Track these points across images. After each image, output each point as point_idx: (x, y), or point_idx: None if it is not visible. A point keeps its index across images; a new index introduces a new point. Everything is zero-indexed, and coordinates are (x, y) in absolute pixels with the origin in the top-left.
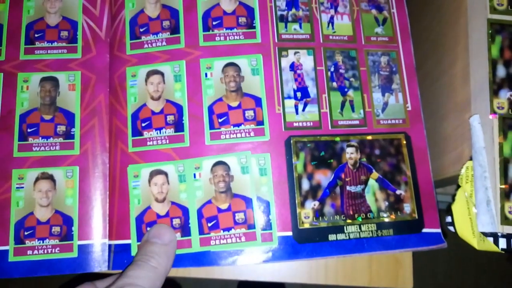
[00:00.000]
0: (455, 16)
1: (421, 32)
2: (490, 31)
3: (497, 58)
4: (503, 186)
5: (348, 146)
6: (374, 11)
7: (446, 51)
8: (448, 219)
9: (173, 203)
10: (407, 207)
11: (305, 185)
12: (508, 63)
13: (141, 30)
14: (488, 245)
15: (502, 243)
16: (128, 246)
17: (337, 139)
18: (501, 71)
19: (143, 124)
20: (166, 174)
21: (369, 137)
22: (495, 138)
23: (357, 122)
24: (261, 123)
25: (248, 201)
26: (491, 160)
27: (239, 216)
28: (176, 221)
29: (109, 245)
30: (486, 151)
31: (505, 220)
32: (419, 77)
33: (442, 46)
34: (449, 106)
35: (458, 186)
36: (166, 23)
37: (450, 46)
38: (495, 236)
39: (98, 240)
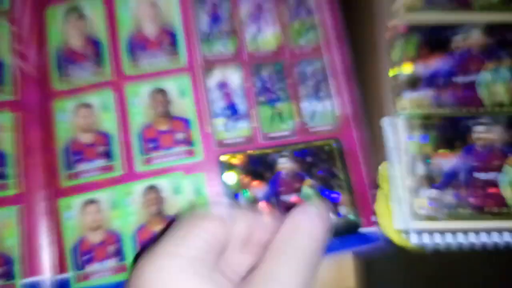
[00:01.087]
0: (367, 19)
1: (355, 37)
2: (391, 34)
3: (399, 61)
4: (411, 184)
5: (281, 157)
6: (300, 20)
7: (369, 55)
8: (374, 218)
9: (107, 231)
10: (343, 210)
11: (242, 201)
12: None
13: (66, 63)
14: (406, 241)
15: (414, 238)
16: (68, 280)
17: (269, 151)
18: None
19: (75, 158)
20: (98, 202)
21: (300, 146)
22: (401, 138)
23: (287, 133)
24: (192, 143)
25: None
26: (401, 159)
27: None
28: (111, 248)
29: (54, 280)
30: (396, 151)
31: (415, 216)
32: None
33: (366, 49)
34: (376, 109)
35: (378, 186)
36: (90, 54)
37: (369, 49)
38: (408, 232)
39: (43, 276)
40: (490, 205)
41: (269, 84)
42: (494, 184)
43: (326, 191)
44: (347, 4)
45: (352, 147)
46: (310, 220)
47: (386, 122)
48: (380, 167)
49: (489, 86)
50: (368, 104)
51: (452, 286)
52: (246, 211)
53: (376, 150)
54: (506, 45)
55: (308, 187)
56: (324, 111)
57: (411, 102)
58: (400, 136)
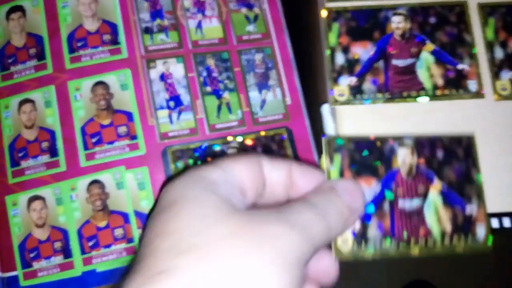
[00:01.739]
0: (311, 5)
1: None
2: (327, 19)
3: (334, 46)
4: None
5: (229, 148)
6: (244, 10)
7: (311, 39)
8: None
9: (53, 227)
10: None
11: None
12: (345, 49)
13: (9, 61)
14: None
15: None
16: (16, 277)
17: (217, 144)
18: (339, 58)
19: (20, 154)
20: (43, 199)
21: (250, 137)
22: (339, 127)
23: (235, 123)
24: (134, 137)
25: (125, 216)
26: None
27: (118, 232)
28: (57, 245)
29: (1, 278)
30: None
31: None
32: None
33: (308, 34)
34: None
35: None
36: (32, 51)
37: (311, 34)
38: None
39: None
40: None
41: (215, 73)
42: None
43: None
44: None
45: (303, 135)
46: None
47: (325, 109)
48: (322, 156)
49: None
50: (315, 90)
51: None
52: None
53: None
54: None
55: None
56: (273, 100)
57: (349, 87)
58: (338, 124)
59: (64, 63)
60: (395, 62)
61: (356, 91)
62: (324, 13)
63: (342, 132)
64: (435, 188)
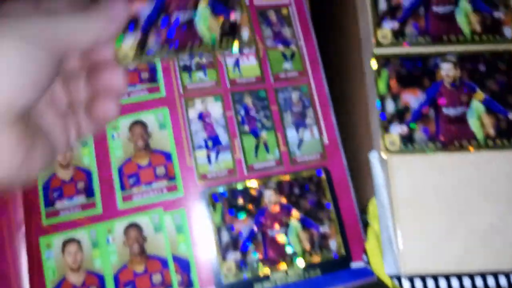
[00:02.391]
0: (353, 50)
1: (333, 60)
2: (376, 66)
3: (384, 94)
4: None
5: (267, 189)
6: (281, 47)
7: (352, 81)
8: (365, 258)
9: (88, 271)
10: (333, 244)
11: (225, 237)
12: (395, 96)
13: None
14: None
15: (406, 285)
16: None
17: (254, 184)
18: (390, 106)
19: (54, 194)
20: (78, 241)
21: (287, 177)
22: (390, 177)
23: (273, 163)
24: (173, 178)
25: (164, 261)
26: (389, 197)
27: (156, 278)
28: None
29: None
30: (386, 189)
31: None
32: (337, 105)
33: (349, 74)
34: (363, 135)
35: (368, 223)
36: None
37: (352, 76)
38: (399, 278)
39: None
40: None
41: (253, 112)
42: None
43: (314, 225)
44: (334, 31)
45: (341, 175)
46: None
47: (374, 157)
48: (369, 204)
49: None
50: (357, 133)
51: None
52: None
53: (365, 181)
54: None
55: (296, 221)
56: (311, 139)
57: (401, 136)
58: (389, 174)
59: None
60: (446, 111)
61: (407, 140)
62: (374, 64)
63: (394, 183)
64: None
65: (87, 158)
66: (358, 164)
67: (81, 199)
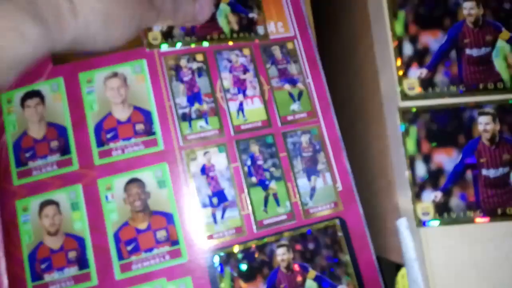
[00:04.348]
0: (372, 97)
1: (342, 100)
2: (402, 122)
3: (414, 154)
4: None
5: (279, 246)
6: (287, 86)
7: (366, 120)
8: None
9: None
10: None
11: None
12: (427, 157)
13: (27, 155)
14: None
15: None
16: None
17: (265, 240)
18: (420, 169)
19: (42, 266)
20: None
21: (300, 232)
22: (424, 250)
23: (284, 217)
24: (176, 242)
25: None
26: (423, 274)
27: None
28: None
29: None
30: (419, 263)
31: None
32: (347, 145)
33: (361, 113)
34: (380, 183)
35: None
36: (54, 144)
37: (366, 115)
38: None
39: None
40: None
41: (260, 161)
42: None
43: (331, 284)
44: (342, 64)
45: (358, 225)
46: None
47: (403, 225)
48: (398, 276)
49: None
50: (373, 180)
51: None
52: None
53: (382, 231)
54: None
55: (312, 281)
56: (324, 187)
57: (434, 203)
58: (423, 248)
59: (92, 158)
60: (486, 172)
61: (443, 208)
62: (399, 122)
63: (429, 259)
64: None
65: (79, 223)
66: (373, 211)
67: (73, 270)
